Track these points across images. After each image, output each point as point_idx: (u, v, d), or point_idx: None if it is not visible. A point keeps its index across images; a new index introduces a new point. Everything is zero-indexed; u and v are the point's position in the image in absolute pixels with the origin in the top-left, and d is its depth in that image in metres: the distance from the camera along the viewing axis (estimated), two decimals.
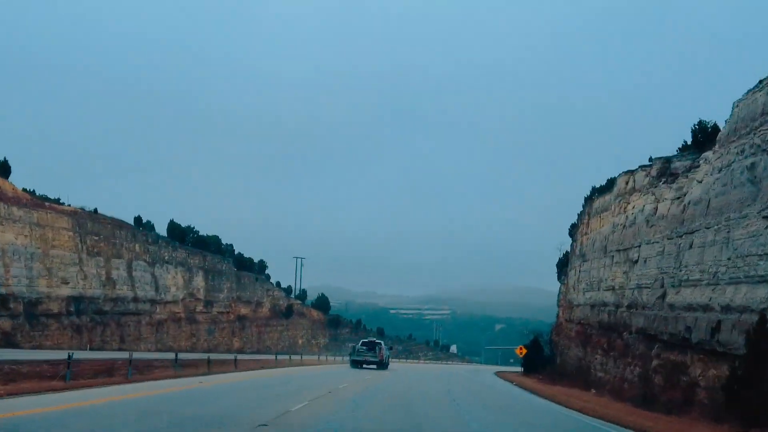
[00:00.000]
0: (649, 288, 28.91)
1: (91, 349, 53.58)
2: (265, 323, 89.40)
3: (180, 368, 25.66)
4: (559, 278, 70.01)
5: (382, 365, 47.60)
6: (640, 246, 31.00)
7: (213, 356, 31.94)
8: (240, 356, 57.20)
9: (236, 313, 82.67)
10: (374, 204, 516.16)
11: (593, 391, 28.99)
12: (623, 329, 33.02)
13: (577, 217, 61.82)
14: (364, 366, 46.63)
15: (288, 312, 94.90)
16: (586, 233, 46.93)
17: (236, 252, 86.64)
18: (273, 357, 54.20)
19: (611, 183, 45.87)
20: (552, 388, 31.63)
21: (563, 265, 66.52)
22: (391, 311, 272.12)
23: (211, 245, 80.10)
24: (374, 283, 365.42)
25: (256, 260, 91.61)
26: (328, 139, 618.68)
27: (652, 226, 29.93)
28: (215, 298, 78.17)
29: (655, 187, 30.82)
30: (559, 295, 69.42)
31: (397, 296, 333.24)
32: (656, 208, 30.01)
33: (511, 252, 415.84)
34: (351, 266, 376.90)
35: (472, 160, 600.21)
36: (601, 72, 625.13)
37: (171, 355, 30.57)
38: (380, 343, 50.41)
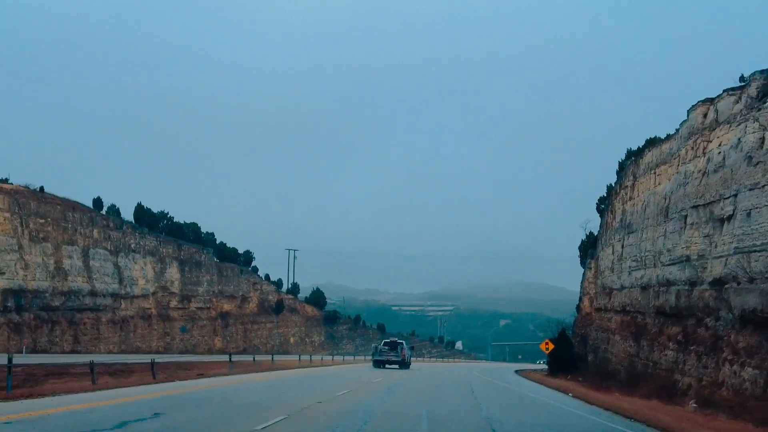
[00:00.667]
0: (760, 251, 19.66)
1: (32, 351, 44.40)
2: (252, 320, 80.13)
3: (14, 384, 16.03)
4: (582, 263, 60.79)
5: (404, 364, 47.95)
6: (736, 195, 21.69)
7: (139, 359, 22.65)
8: (210, 358, 48.12)
9: (218, 309, 73.46)
10: (376, 202, 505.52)
11: (692, 404, 19.60)
12: (705, 314, 23.79)
13: (607, 189, 52.69)
14: (387, 366, 46.63)
15: (278, 307, 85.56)
16: (629, 199, 37.68)
17: (218, 242, 77.29)
18: (251, 358, 44.85)
19: (650, 142, 36.77)
20: (616, 399, 22.23)
21: (589, 247, 57.32)
22: (393, 308, 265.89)
23: (188, 234, 70.84)
24: (376, 281, 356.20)
25: (241, 251, 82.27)
26: (326, 130, 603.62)
27: (757, 164, 20.64)
28: (193, 292, 68.95)
29: (758, 111, 21.51)
30: (582, 281, 60.30)
31: (400, 294, 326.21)
32: (762, 139, 20.73)
33: (515, 248, 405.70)
34: (352, 264, 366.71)
35: (478, 154, 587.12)
36: (602, 62, 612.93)
37: (90, 358, 21.34)
38: (402, 343, 50.60)
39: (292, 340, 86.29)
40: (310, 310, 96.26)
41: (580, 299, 65.95)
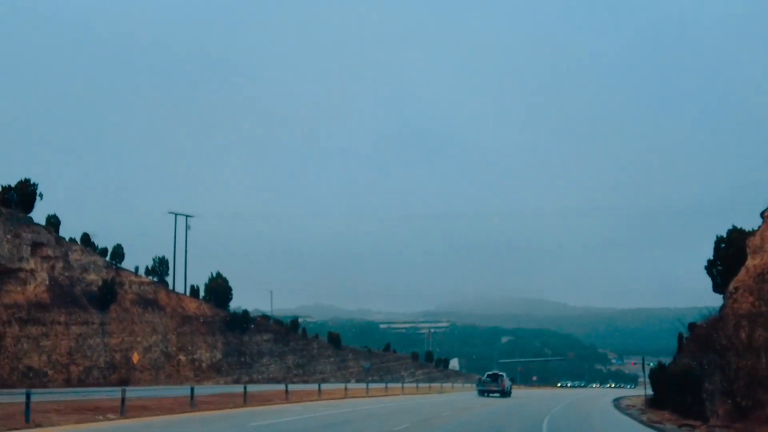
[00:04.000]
0: None
1: None
2: (26, 317, 37.74)
3: None
4: None
5: (505, 393, 51.30)
6: None
7: None
8: None
9: None
10: (368, 218, 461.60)
11: None
12: None
13: None
14: (489, 394, 50.06)
15: (106, 294, 43.24)
16: None
17: None
18: None
19: None
20: None
21: None
22: (381, 326, 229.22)
23: None
24: (369, 301, 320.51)
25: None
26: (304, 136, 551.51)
27: None
28: None
29: None
30: None
31: (393, 313, 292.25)
32: None
33: (514, 262, 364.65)
34: (343, 285, 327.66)
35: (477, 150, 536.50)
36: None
37: None
38: (503, 375, 53.93)
39: (135, 356, 43.40)
40: (194, 305, 53.62)
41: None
